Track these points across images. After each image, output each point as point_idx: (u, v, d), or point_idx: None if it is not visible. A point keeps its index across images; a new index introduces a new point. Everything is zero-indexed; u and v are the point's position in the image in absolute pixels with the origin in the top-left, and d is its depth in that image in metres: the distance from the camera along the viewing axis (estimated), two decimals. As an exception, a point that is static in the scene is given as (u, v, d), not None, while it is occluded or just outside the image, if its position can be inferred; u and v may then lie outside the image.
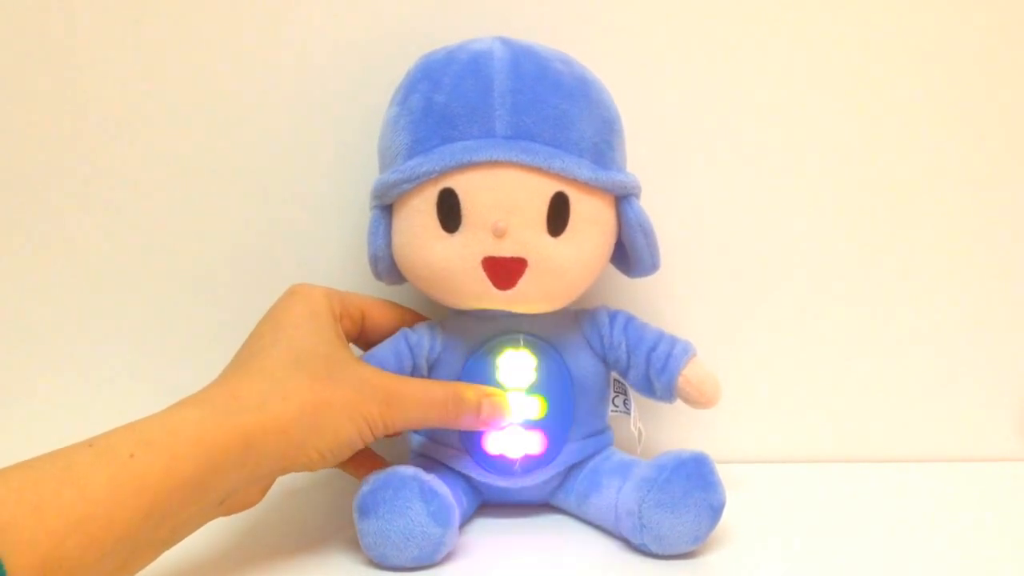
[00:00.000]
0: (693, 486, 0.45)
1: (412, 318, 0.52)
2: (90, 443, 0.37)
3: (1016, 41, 0.58)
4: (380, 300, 0.52)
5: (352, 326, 0.50)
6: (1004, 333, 0.60)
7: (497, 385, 0.48)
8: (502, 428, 0.48)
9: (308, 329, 0.46)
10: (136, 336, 0.58)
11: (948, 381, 0.60)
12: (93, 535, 0.35)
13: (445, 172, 0.45)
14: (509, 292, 0.46)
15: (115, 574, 0.37)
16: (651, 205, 0.49)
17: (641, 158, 0.52)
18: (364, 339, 0.51)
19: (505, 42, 0.48)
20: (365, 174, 0.50)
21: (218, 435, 0.39)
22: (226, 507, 0.42)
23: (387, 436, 0.46)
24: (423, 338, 0.50)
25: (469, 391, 0.47)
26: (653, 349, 0.50)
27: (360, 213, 0.50)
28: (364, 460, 0.50)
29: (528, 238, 0.45)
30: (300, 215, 0.57)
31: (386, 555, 0.44)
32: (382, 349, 0.50)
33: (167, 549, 0.40)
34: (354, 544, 0.45)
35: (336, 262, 0.57)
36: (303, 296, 0.48)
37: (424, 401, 0.46)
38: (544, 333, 0.49)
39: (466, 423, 0.47)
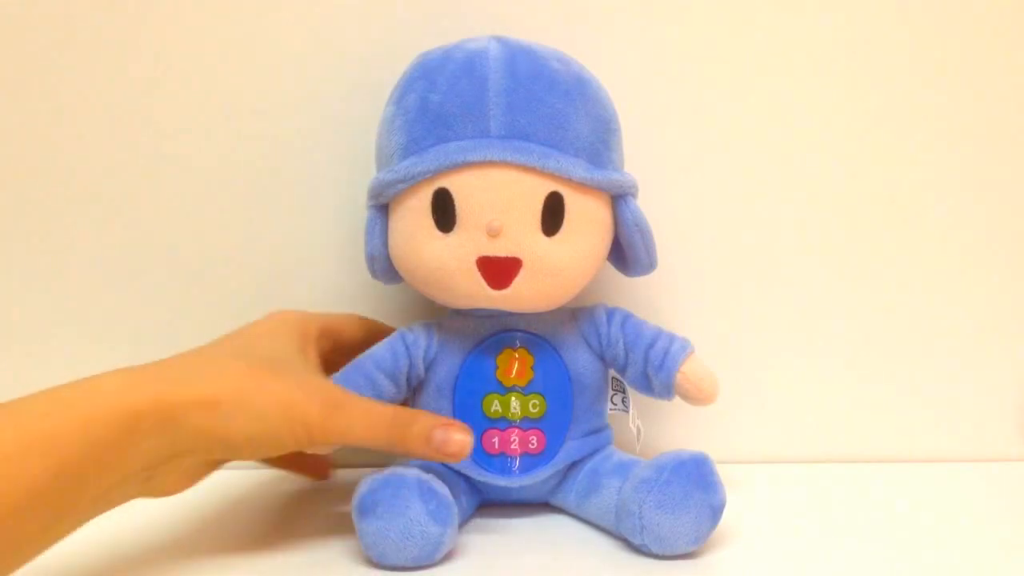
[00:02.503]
0: (693, 487, 0.45)
1: (382, 331, 0.52)
2: (5, 404, 0.37)
3: (1016, 41, 0.58)
4: (352, 317, 0.52)
5: (329, 345, 0.50)
6: (1004, 333, 0.60)
7: (496, 384, 0.48)
8: (456, 462, 0.46)
9: (267, 337, 0.46)
10: (133, 336, 0.58)
11: (948, 381, 0.60)
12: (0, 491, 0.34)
13: (439, 172, 0.45)
14: (504, 292, 0.46)
15: (35, 537, 0.37)
16: (649, 204, 0.49)
17: (639, 157, 0.52)
18: (340, 356, 0.51)
19: (502, 41, 0.48)
20: (364, 173, 0.50)
21: (137, 400, 0.39)
22: (152, 487, 0.41)
23: (328, 445, 0.45)
24: (420, 337, 0.50)
25: (422, 415, 0.45)
26: (651, 346, 0.50)
27: (359, 212, 0.50)
28: (308, 460, 0.50)
29: (522, 238, 0.45)
30: (299, 214, 0.57)
31: (386, 554, 0.43)
32: (379, 348, 0.50)
33: (89, 517, 0.39)
34: (354, 544, 0.45)
35: (334, 262, 0.57)
36: (272, 314, 0.49)
37: (371, 414, 0.45)
38: (542, 331, 0.49)
39: (415, 448, 0.44)
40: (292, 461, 0.50)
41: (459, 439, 0.45)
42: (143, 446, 0.39)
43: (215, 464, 0.44)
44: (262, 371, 0.43)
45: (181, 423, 0.40)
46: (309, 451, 0.45)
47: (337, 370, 0.49)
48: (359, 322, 0.53)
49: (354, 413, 0.44)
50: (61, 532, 0.38)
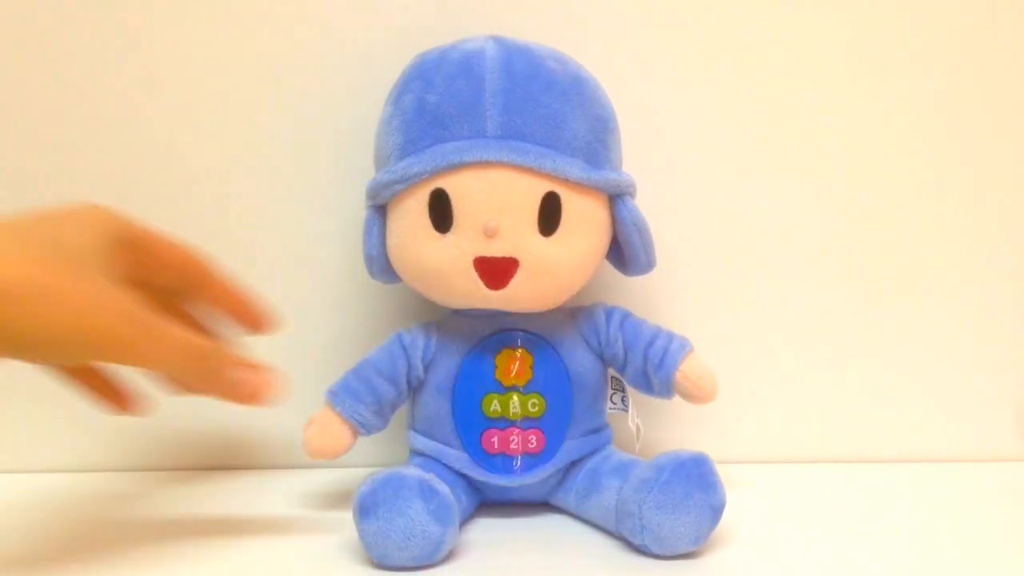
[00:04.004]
0: (693, 487, 0.45)
1: (210, 273, 0.47)
2: None
3: (1016, 41, 0.58)
4: (177, 242, 0.46)
5: (138, 260, 0.43)
6: (1004, 333, 0.60)
7: (495, 384, 0.48)
8: (251, 403, 0.43)
9: (72, 227, 0.40)
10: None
11: (948, 381, 0.60)
12: None
13: (436, 173, 0.45)
14: (501, 292, 0.46)
15: None
16: (647, 203, 0.49)
17: (638, 156, 0.52)
18: (146, 274, 0.44)
19: (498, 41, 0.48)
20: (362, 173, 0.50)
21: None
22: None
23: (127, 365, 0.40)
24: (418, 338, 0.50)
25: (228, 352, 0.43)
26: (650, 345, 0.50)
27: (357, 213, 0.50)
28: (104, 384, 0.46)
29: (519, 238, 0.45)
30: (297, 215, 0.57)
31: (387, 555, 0.43)
32: (376, 352, 0.50)
33: None
34: (355, 544, 0.45)
35: (333, 261, 0.57)
36: (85, 204, 0.42)
37: (172, 337, 0.40)
38: (541, 331, 0.49)
39: (212, 383, 0.42)
40: (87, 380, 0.46)
41: (255, 379, 0.43)
42: None
43: None
44: (61, 266, 0.38)
45: None
46: (129, 368, 0.41)
47: (141, 292, 0.42)
48: (185, 251, 0.46)
49: (153, 331, 0.40)
50: None
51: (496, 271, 0.46)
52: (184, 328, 0.41)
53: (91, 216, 0.42)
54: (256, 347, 0.58)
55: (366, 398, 0.49)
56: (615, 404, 0.52)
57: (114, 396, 0.47)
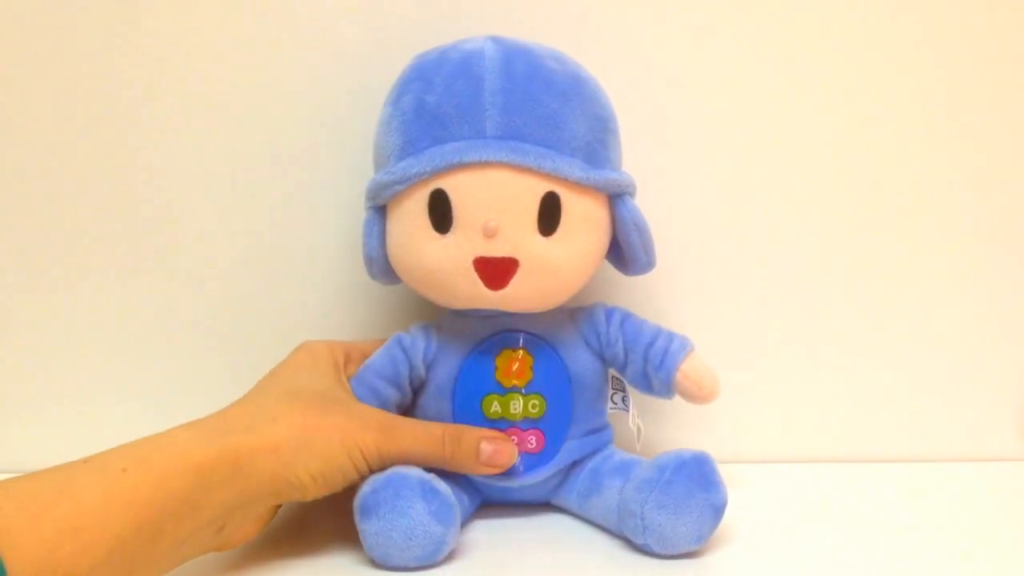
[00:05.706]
0: (695, 486, 0.45)
1: None
2: (87, 459, 0.39)
3: (1016, 41, 0.58)
4: (376, 342, 0.52)
5: (346, 366, 0.51)
6: (1004, 333, 0.60)
7: (495, 385, 0.48)
8: (503, 471, 0.47)
9: (306, 372, 0.48)
10: (134, 338, 0.58)
11: (948, 381, 0.60)
12: (85, 544, 0.36)
13: (436, 173, 0.45)
14: (501, 292, 0.46)
15: None
16: (648, 203, 0.49)
17: (638, 156, 0.52)
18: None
19: (498, 41, 0.48)
20: (362, 174, 0.50)
21: (208, 453, 0.41)
22: (224, 537, 0.43)
23: (384, 468, 0.46)
24: (418, 340, 0.50)
25: (468, 431, 0.47)
26: (650, 345, 0.50)
27: (356, 214, 0.50)
28: None
29: (519, 238, 0.45)
30: (297, 216, 0.57)
31: (388, 555, 0.44)
32: (377, 357, 0.50)
33: (167, 569, 0.41)
34: (356, 544, 0.45)
35: (333, 263, 0.57)
36: (305, 347, 0.50)
37: (421, 435, 0.47)
38: (541, 331, 0.49)
39: (464, 464, 0.47)
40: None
41: (505, 449, 0.47)
42: (215, 497, 0.41)
43: (278, 507, 0.46)
44: (315, 409, 0.45)
45: (249, 471, 0.42)
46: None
47: None
48: (374, 343, 0.53)
49: (406, 436, 0.46)
50: None
51: (496, 271, 0.46)
52: (425, 422, 0.48)
53: (311, 356, 0.49)
54: (258, 353, 0.59)
55: (371, 403, 0.49)
56: (616, 404, 0.52)
57: None
